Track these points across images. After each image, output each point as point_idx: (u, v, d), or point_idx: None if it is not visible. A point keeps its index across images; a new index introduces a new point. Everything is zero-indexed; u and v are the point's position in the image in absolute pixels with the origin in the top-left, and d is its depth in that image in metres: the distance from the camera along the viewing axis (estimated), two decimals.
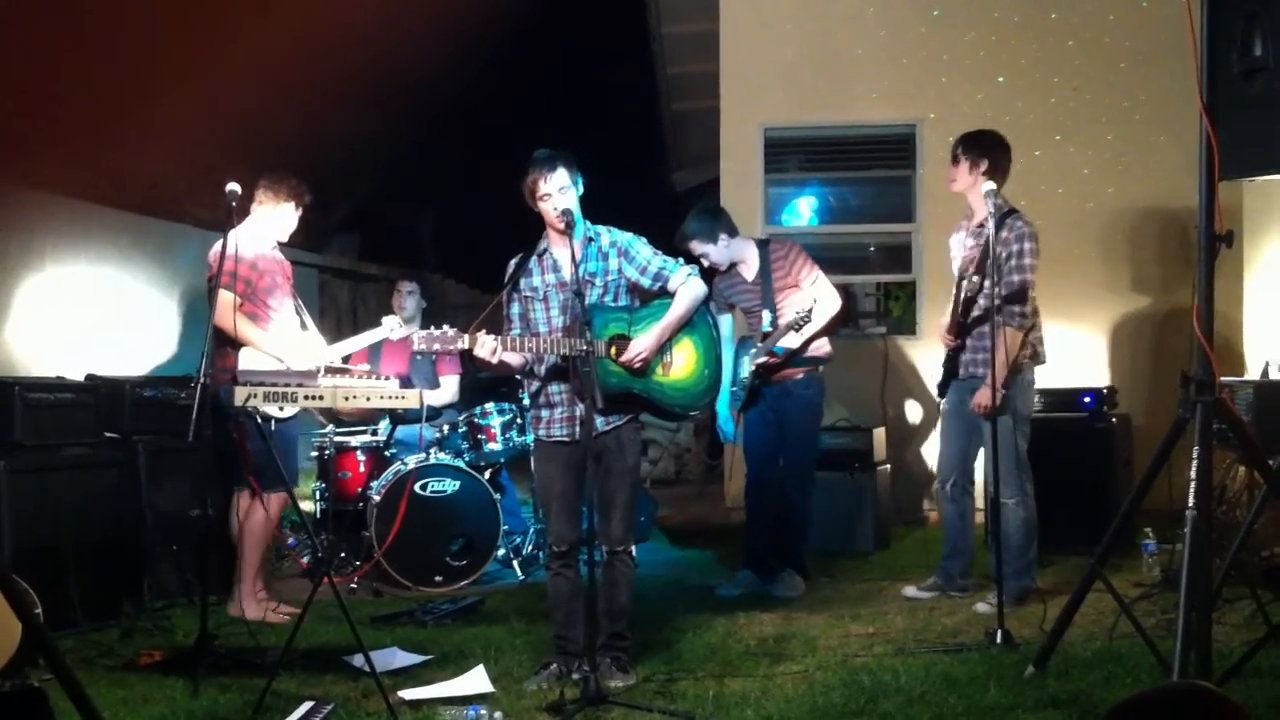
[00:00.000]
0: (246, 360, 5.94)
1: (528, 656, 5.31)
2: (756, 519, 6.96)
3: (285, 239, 6.49)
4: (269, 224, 6.37)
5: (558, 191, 4.93)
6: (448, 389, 8.06)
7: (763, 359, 6.65)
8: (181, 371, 7.08)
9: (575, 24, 17.79)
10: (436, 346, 4.83)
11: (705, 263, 6.76)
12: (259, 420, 5.23)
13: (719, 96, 9.77)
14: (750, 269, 6.86)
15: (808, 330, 6.55)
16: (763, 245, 6.89)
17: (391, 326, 5.97)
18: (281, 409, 5.80)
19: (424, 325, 5.99)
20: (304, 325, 6.41)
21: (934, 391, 6.61)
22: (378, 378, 5.34)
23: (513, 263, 5.16)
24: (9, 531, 5.59)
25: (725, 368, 6.34)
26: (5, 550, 5.48)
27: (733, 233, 6.88)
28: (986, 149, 6.22)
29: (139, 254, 9.69)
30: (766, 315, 6.66)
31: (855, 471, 8.02)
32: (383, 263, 16.08)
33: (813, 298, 6.51)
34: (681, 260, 5.14)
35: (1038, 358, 6.27)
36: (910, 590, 6.49)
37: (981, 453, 6.30)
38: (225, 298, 5.82)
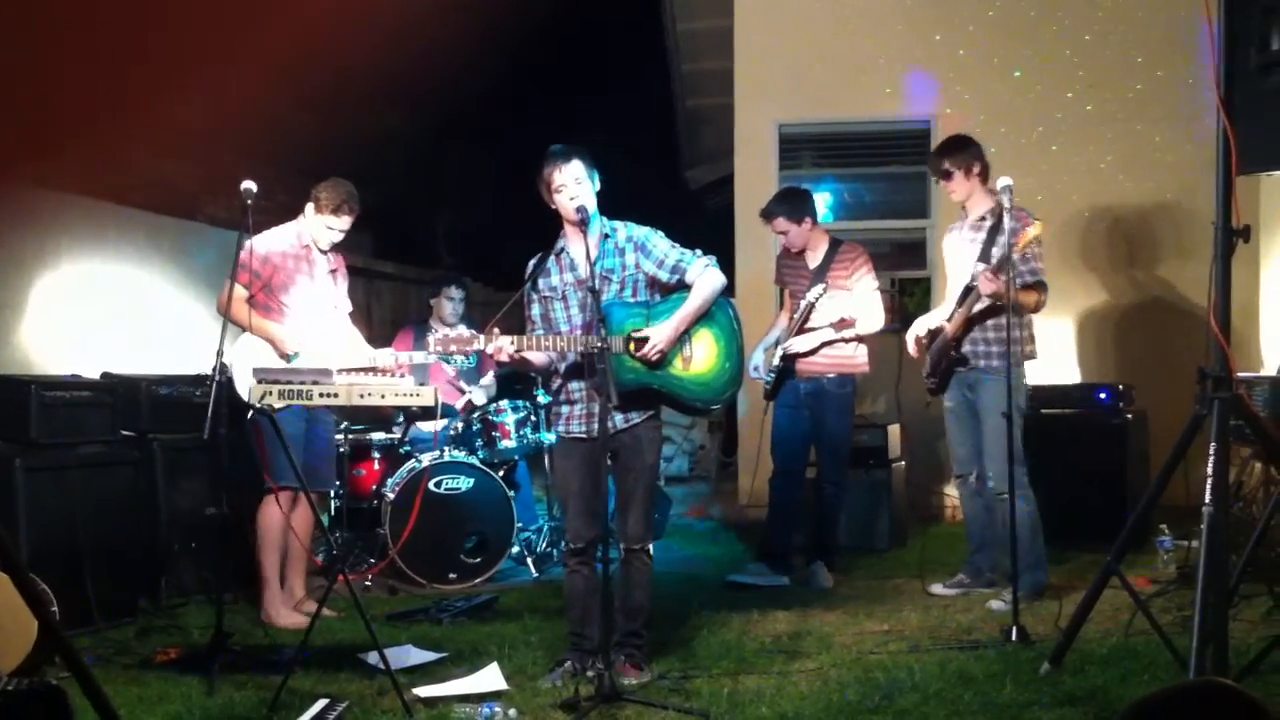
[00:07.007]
0: (242, 355, 5.90)
1: (542, 654, 5.31)
2: (779, 511, 6.97)
3: (325, 247, 6.40)
4: (307, 227, 6.34)
5: (573, 182, 4.90)
6: (489, 384, 8.17)
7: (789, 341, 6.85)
8: (197, 369, 7.08)
9: (589, 21, 17.76)
10: (454, 348, 4.83)
11: (783, 241, 7.00)
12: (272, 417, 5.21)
13: (733, 93, 9.76)
14: (815, 259, 6.96)
15: (847, 333, 6.84)
16: (835, 244, 6.99)
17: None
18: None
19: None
20: (335, 305, 6.44)
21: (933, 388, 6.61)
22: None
23: (531, 263, 5.15)
24: (25, 530, 5.59)
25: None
26: (22, 548, 5.48)
27: (816, 219, 7.02)
28: (972, 151, 6.29)
29: (154, 252, 9.70)
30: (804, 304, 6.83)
31: (871, 468, 8.01)
32: (397, 261, 16.08)
33: (814, 297, 6.73)
34: (699, 251, 5.12)
35: (1031, 354, 6.27)
36: (936, 588, 6.45)
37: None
38: (235, 291, 5.86)
